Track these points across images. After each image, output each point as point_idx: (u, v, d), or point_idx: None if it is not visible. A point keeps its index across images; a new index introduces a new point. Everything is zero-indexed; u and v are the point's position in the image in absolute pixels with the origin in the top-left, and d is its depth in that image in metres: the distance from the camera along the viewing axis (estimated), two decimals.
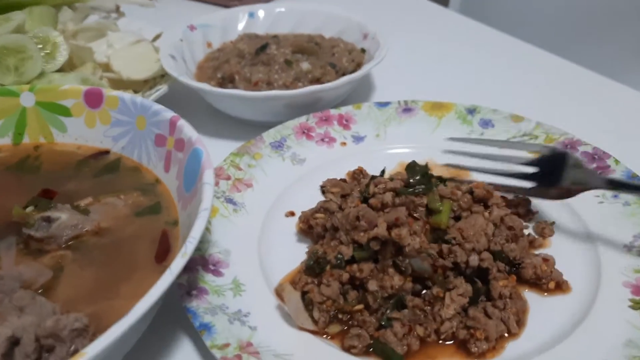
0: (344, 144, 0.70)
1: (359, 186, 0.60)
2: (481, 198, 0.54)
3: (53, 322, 0.39)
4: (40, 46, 0.72)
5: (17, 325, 0.39)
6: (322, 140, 0.70)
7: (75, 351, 0.39)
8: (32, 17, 0.75)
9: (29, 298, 0.42)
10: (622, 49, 1.41)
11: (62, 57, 0.72)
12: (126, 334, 0.36)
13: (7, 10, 0.75)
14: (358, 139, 0.71)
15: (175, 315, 0.51)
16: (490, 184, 0.57)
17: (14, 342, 0.38)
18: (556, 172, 0.57)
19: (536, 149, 0.60)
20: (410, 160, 0.66)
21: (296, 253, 0.56)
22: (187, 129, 0.54)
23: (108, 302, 0.45)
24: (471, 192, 0.55)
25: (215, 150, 0.70)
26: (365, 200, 0.55)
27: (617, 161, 0.62)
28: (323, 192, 0.62)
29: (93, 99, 0.61)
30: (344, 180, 0.63)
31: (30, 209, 0.51)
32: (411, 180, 0.54)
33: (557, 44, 1.14)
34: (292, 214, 0.61)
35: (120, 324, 0.36)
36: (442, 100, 0.74)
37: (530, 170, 0.59)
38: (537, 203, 0.60)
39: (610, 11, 1.43)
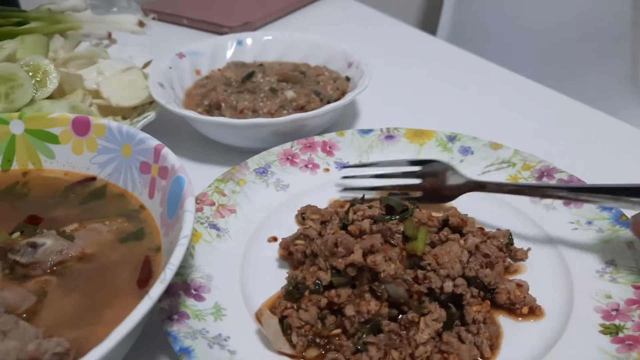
0: (327, 170, 0.72)
1: (338, 213, 0.61)
2: (456, 226, 0.56)
3: (35, 346, 0.40)
4: (31, 74, 0.73)
5: (1, 349, 0.40)
6: (306, 166, 0.72)
7: None
8: (24, 45, 0.77)
9: (12, 323, 0.43)
10: (606, 79, 1.45)
11: (52, 84, 0.74)
12: (106, 358, 0.37)
13: (0, 40, 0.77)
14: (341, 165, 0.72)
15: (158, 340, 0.52)
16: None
17: None
18: (438, 180, 0.66)
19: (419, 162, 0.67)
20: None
21: (277, 278, 0.57)
22: (170, 157, 0.55)
23: (90, 327, 0.46)
24: (447, 220, 0.57)
25: (202, 175, 0.72)
26: (344, 227, 0.56)
27: None
28: (303, 219, 0.63)
29: (80, 126, 0.62)
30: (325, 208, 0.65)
31: (16, 235, 0.53)
32: (390, 208, 0.56)
33: (543, 73, 1.17)
34: (274, 239, 0.62)
35: (100, 349, 0.37)
36: (425, 127, 0.76)
37: (417, 181, 0.67)
38: (513, 232, 0.61)
39: (596, 42, 1.46)
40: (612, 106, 1.03)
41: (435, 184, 0.66)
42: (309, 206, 0.65)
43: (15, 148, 0.63)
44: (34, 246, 0.51)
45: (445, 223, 0.57)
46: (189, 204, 0.49)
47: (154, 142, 0.58)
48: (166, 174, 0.55)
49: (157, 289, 0.41)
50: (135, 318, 0.39)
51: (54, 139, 0.63)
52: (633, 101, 1.61)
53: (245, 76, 0.80)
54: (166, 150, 0.56)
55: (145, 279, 0.50)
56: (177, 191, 0.52)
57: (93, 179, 0.62)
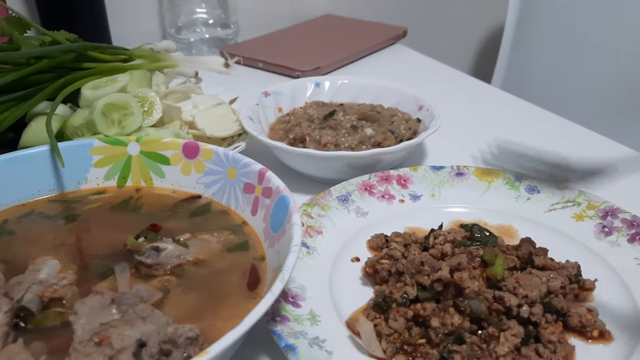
0: (402, 201, 0.78)
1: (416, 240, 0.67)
2: (539, 266, 0.61)
3: (173, 329, 0.47)
4: (140, 104, 0.83)
5: (143, 330, 0.47)
6: (383, 196, 0.78)
7: (188, 357, 0.47)
8: (132, 79, 0.87)
9: (149, 310, 0.49)
10: None
11: (157, 114, 0.83)
12: (231, 346, 0.43)
13: (113, 74, 0.87)
14: (415, 197, 0.79)
15: (256, 340, 0.58)
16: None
17: (141, 344, 0.46)
18: None
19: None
20: (462, 219, 0.74)
21: (362, 293, 0.63)
22: (274, 179, 0.62)
23: (210, 321, 0.52)
24: (531, 258, 0.62)
25: None
26: (425, 250, 0.62)
27: None
28: (386, 241, 0.69)
29: (190, 150, 0.70)
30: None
31: (141, 239, 0.60)
32: (469, 235, 0.62)
33: (599, 120, 1.21)
34: (357, 259, 0.68)
35: (233, 333, 0.43)
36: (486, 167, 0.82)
37: None
38: (580, 264, 0.65)
39: None
40: None
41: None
42: (381, 234, 0.70)
43: (130, 167, 0.72)
44: (157, 250, 0.58)
45: (529, 261, 0.62)
46: (296, 219, 0.56)
47: (258, 166, 0.65)
48: (270, 194, 0.62)
49: (277, 287, 0.48)
50: (262, 308, 0.45)
51: (166, 161, 0.71)
52: None
53: (328, 114, 0.87)
54: (270, 174, 0.63)
55: (254, 283, 0.56)
56: (282, 208, 0.59)
57: (199, 197, 0.70)
